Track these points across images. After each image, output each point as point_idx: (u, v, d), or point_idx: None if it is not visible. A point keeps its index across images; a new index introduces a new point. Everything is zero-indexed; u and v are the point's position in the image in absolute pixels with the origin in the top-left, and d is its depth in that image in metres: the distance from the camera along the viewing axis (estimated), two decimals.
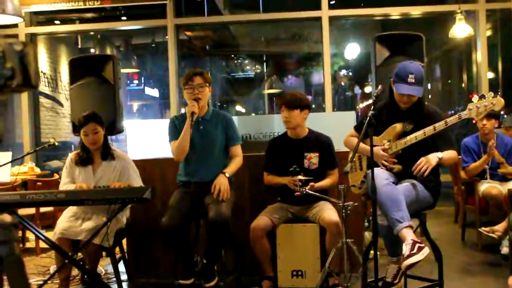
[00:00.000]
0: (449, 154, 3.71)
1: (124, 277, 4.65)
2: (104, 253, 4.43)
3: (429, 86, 14.10)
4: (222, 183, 4.16)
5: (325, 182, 4.40)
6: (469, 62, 9.99)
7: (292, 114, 4.38)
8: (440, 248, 3.81)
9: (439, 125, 3.57)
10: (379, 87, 3.71)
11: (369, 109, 3.53)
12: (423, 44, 5.49)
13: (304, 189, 4.10)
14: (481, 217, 5.66)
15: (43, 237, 3.84)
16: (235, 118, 4.72)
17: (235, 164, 4.39)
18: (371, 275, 3.66)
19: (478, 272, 4.78)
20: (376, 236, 3.56)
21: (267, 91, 14.68)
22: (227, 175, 4.24)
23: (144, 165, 4.79)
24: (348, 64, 14.92)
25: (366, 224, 5.52)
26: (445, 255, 3.89)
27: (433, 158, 3.61)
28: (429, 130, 3.60)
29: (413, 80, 3.65)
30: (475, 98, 3.51)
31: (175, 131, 4.33)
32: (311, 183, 4.21)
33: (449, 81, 14.63)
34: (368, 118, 3.41)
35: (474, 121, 5.70)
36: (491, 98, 3.45)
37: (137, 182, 4.38)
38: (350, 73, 16.18)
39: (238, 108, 19.09)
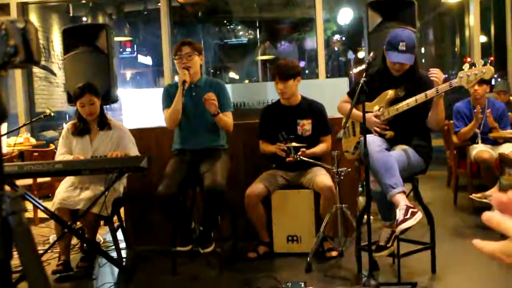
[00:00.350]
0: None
1: (122, 245, 4.68)
2: (102, 222, 4.49)
3: (422, 50, 14.09)
4: (215, 100, 4.19)
5: (317, 149, 4.45)
6: (462, 25, 9.97)
7: (287, 85, 4.41)
8: (433, 212, 3.88)
9: (431, 93, 3.60)
10: (371, 54, 3.72)
11: (362, 75, 3.57)
12: (415, 9, 5.47)
13: (297, 156, 4.16)
14: (473, 181, 5.72)
15: (42, 207, 3.90)
16: (228, 86, 4.74)
17: (226, 120, 4.35)
18: (364, 239, 3.72)
19: (469, 234, 4.84)
20: (369, 201, 3.63)
21: (260, 57, 14.65)
22: (219, 112, 4.24)
23: (139, 134, 4.80)
24: (341, 29, 14.87)
25: (360, 189, 5.59)
26: (437, 219, 3.96)
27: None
28: (420, 97, 3.63)
29: (404, 48, 3.67)
30: (465, 66, 3.53)
31: (168, 100, 4.36)
32: (302, 149, 4.26)
33: (442, 45, 14.62)
34: (360, 85, 3.44)
35: None
36: (481, 66, 3.48)
37: (134, 151, 4.41)
38: (344, 38, 16.14)
39: (232, 74, 19.05)
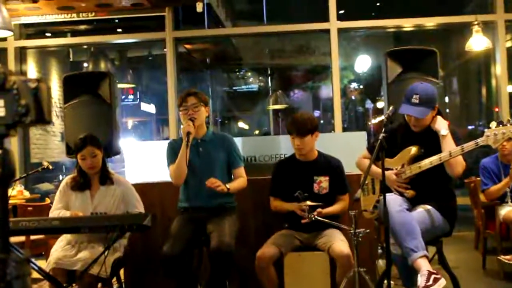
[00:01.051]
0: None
1: None
2: (100, 284, 4.49)
3: (446, 99, 14.20)
4: (219, 184, 4.27)
5: (334, 208, 4.46)
6: (488, 74, 10.04)
7: (304, 141, 4.44)
8: (459, 277, 3.86)
9: (455, 151, 3.65)
10: (390, 108, 3.80)
11: (381, 130, 3.63)
12: (437, 59, 5.55)
13: (312, 215, 4.17)
14: (502, 243, 5.70)
15: (36, 267, 3.91)
16: (237, 140, 4.81)
17: (238, 182, 4.51)
18: None
19: None
20: (390, 265, 3.62)
21: (272, 107, 14.74)
22: (228, 186, 4.35)
23: (142, 189, 4.81)
24: (359, 77, 15.01)
25: (380, 251, 5.57)
26: (464, 284, 3.93)
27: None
28: (444, 156, 3.68)
29: (417, 101, 3.76)
30: (493, 124, 3.59)
31: (173, 155, 4.43)
32: (319, 209, 4.28)
33: (467, 95, 14.72)
34: (379, 141, 3.49)
35: None
36: (509, 125, 3.52)
37: (139, 209, 4.43)
38: (361, 87, 16.26)
39: (241, 124, 19.18)
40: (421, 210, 3.75)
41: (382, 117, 3.90)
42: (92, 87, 5.69)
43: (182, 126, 4.37)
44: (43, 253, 6.23)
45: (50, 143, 11.51)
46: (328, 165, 4.55)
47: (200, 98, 4.47)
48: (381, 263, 5.22)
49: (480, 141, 3.60)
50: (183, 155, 4.29)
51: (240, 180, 4.52)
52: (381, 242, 5.39)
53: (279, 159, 5.01)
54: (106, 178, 4.50)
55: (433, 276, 3.37)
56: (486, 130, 3.60)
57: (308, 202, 4.18)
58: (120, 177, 4.61)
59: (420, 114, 3.77)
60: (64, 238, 4.42)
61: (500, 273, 5.57)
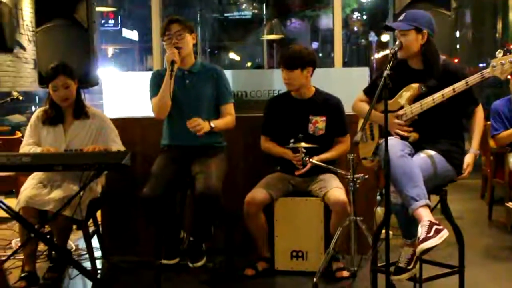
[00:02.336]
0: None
1: (98, 254, 4.71)
2: (75, 226, 4.50)
3: (457, 34, 14.07)
4: (201, 124, 4.23)
5: (331, 154, 4.46)
6: (506, 7, 9.92)
7: (292, 75, 4.40)
8: (463, 229, 3.83)
9: (459, 86, 3.58)
10: (397, 42, 3.72)
11: (385, 66, 3.56)
12: None
13: (306, 159, 4.16)
14: (511, 193, 5.70)
15: (4, 206, 3.90)
16: (227, 72, 4.72)
17: (225, 121, 4.45)
18: (382, 259, 3.67)
19: (505, 257, 4.84)
20: (389, 214, 3.61)
21: (266, 37, 14.57)
22: (212, 125, 4.31)
23: (122, 125, 4.79)
24: (363, 7, 14.81)
25: (379, 198, 5.57)
26: (468, 236, 3.93)
27: None
28: (448, 92, 3.62)
29: (402, 18, 3.78)
30: (499, 52, 3.52)
31: (156, 87, 4.37)
32: (314, 157, 4.28)
33: (481, 29, 14.59)
34: (383, 79, 3.42)
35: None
36: None
37: (117, 145, 4.42)
38: (365, 18, 16.07)
39: (232, 55, 19.00)
40: (424, 156, 3.70)
41: (387, 52, 3.84)
42: (68, 10, 5.52)
43: (166, 55, 4.29)
44: (14, 190, 6.23)
45: (22, 70, 11.37)
46: (326, 104, 4.51)
47: (184, 24, 4.38)
48: (379, 211, 5.23)
49: (486, 72, 3.52)
50: (167, 86, 4.22)
51: (227, 118, 4.47)
52: (380, 188, 5.39)
53: (272, 95, 4.96)
54: (80, 111, 4.47)
55: (434, 227, 3.35)
56: (492, 60, 3.53)
57: (303, 144, 4.15)
58: (96, 111, 4.56)
59: (399, 26, 3.74)
60: (36, 176, 4.40)
61: (507, 225, 5.61)
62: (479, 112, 3.84)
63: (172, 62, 4.20)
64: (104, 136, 4.45)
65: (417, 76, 3.82)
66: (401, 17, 3.81)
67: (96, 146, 4.28)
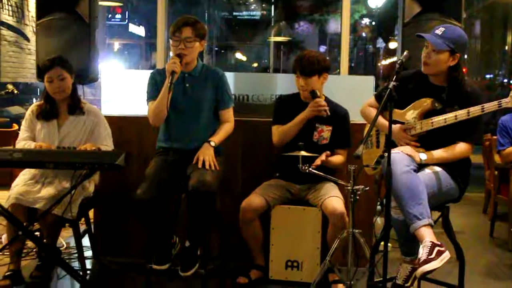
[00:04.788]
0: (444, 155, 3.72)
1: (88, 253, 4.67)
2: (67, 225, 4.40)
3: None
4: (206, 154, 4.14)
5: (335, 159, 4.40)
6: None
7: (310, 82, 4.34)
8: (464, 245, 3.81)
9: (474, 110, 3.53)
10: (405, 53, 3.62)
11: (392, 76, 3.47)
12: None
13: (305, 168, 4.07)
14: None
15: None
16: (229, 75, 4.65)
17: (225, 131, 4.37)
18: (379, 272, 3.61)
19: (506, 276, 4.78)
20: (389, 226, 3.54)
21: (273, 39, 14.53)
22: (212, 144, 4.22)
23: (119, 123, 4.76)
24: (372, 13, 14.78)
25: (379, 207, 5.48)
26: (469, 253, 3.90)
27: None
28: (461, 114, 3.56)
29: (440, 33, 3.65)
30: None
31: (155, 89, 4.27)
32: (326, 152, 4.26)
33: (490, 41, 14.55)
34: (388, 90, 3.33)
35: None
36: None
37: (107, 146, 4.36)
38: (373, 24, 16.05)
39: (238, 55, 18.96)
40: (429, 172, 3.63)
41: (394, 59, 3.77)
42: (70, 4, 5.50)
43: (167, 64, 4.16)
44: (9, 184, 6.16)
45: (25, 61, 11.33)
46: (334, 114, 4.40)
47: (197, 31, 4.22)
48: (379, 221, 5.15)
49: (504, 102, 3.48)
50: (165, 95, 4.08)
51: (226, 127, 4.37)
52: (381, 197, 5.31)
53: (281, 94, 4.85)
54: (75, 107, 4.41)
55: (436, 249, 3.26)
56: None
57: (302, 153, 4.07)
58: (92, 107, 4.50)
59: (436, 43, 3.62)
60: (28, 172, 4.35)
61: (509, 243, 5.54)
62: (464, 147, 3.74)
63: (172, 73, 4.07)
64: (96, 134, 4.39)
65: (435, 92, 3.74)
66: (439, 31, 3.68)
67: (88, 145, 4.22)
